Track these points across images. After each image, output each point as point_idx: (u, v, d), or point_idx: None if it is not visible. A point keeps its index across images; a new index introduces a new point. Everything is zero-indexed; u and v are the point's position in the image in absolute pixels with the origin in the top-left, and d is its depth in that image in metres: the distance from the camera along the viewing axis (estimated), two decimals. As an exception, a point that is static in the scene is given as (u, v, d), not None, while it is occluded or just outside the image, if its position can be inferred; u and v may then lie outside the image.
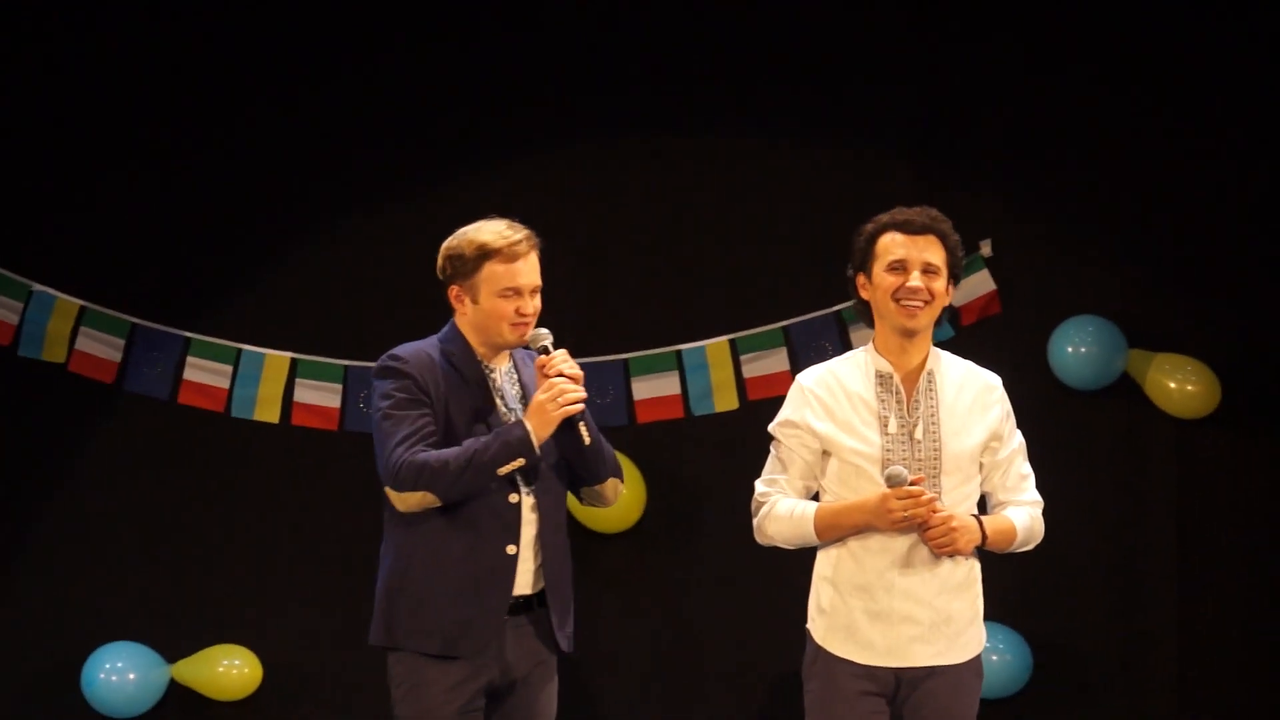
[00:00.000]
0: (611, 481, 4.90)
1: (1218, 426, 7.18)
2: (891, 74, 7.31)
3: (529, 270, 4.79)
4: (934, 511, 4.61)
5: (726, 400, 7.28)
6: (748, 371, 7.26)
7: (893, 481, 4.61)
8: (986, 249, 7.15)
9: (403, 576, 4.78)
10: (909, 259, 4.69)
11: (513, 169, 7.43)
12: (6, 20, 7.41)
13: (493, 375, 4.85)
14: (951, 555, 4.66)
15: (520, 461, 4.69)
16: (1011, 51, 7.29)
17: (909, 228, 4.72)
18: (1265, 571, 7.17)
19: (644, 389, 7.30)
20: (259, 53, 7.46)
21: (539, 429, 4.70)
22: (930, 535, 4.62)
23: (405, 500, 4.71)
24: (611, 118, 7.45)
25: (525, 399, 4.83)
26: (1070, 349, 7.15)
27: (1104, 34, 7.24)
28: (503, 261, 4.78)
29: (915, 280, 4.68)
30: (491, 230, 4.81)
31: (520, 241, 4.79)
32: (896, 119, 7.31)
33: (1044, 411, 7.16)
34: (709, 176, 7.44)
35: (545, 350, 4.77)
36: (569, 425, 4.75)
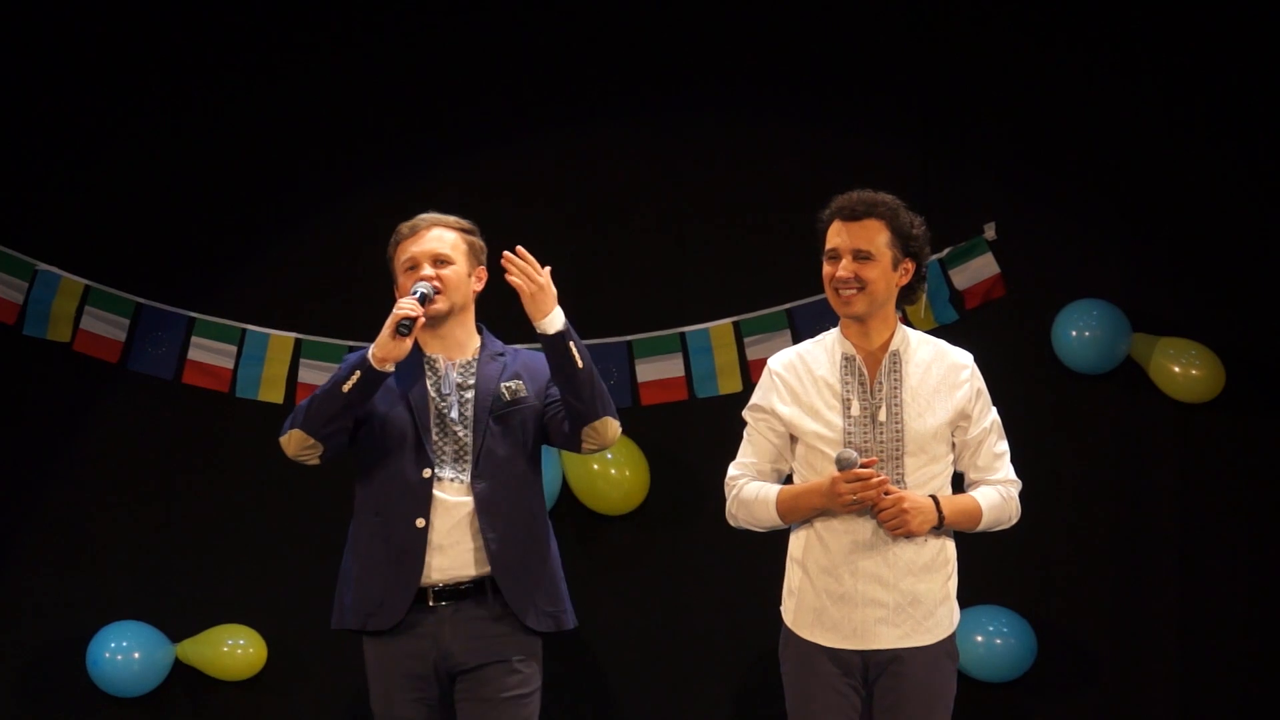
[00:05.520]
0: (607, 420, 4.90)
1: (1222, 411, 7.18)
2: (896, 56, 7.31)
3: (426, 241, 4.97)
4: (885, 493, 4.62)
5: (730, 383, 7.28)
6: (752, 354, 7.25)
7: (842, 465, 4.62)
8: (991, 232, 7.15)
9: (344, 559, 4.97)
10: (840, 247, 4.74)
11: (516, 150, 7.42)
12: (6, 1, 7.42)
13: (435, 360, 4.95)
14: (907, 536, 4.66)
15: (357, 375, 4.80)
16: (1016, 34, 7.28)
17: (845, 214, 4.77)
18: (1268, 556, 7.17)
19: (648, 371, 7.29)
20: (263, 32, 7.46)
21: (377, 344, 4.81)
22: (881, 517, 4.64)
23: (286, 444, 4.93)
24: (614, 98, 7.44)
25: (476, 390, 4.91)
26: (1074, 333, 7.14)
27: (1108, 17, 7.23)
28: (403, 239, 5.00)
29: (843, 269, 4.72)
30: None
31: (419, 221, 5.01)
32: (901, 101, 7.31)
33: (1047, 396, 7.18)
34: (712, 158, 7.43)
35: (413, 293, 4.89)
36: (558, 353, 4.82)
